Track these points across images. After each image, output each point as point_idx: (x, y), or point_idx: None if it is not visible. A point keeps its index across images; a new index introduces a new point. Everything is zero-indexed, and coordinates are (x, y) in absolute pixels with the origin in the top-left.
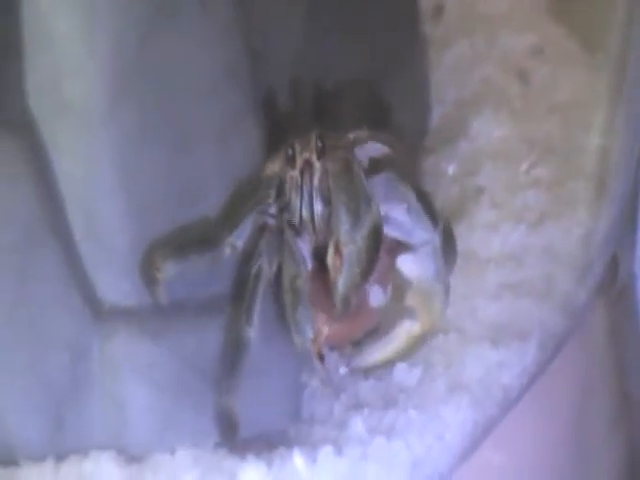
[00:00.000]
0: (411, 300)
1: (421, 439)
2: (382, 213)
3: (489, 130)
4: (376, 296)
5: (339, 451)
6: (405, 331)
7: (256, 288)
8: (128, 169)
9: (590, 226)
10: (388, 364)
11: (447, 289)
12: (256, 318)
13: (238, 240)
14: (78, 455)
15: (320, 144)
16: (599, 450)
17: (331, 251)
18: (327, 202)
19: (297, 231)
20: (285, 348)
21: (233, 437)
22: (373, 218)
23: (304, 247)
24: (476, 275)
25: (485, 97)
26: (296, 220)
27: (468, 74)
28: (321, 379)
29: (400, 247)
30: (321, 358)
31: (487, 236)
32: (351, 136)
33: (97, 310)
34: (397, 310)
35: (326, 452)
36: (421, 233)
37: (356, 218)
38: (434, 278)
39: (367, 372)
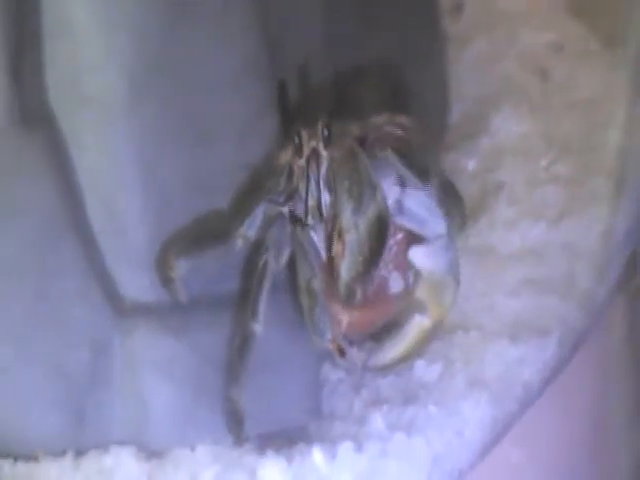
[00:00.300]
0: (421, 293)
1: (441, 435)
2: (396, 202)
3: (509, 127)
4: (396, 283)
5: (359, 447)
6: (416, 325)
7: (262, 282)
8: (148, 164)
9: (609, 222)
10: (404, 361)
11: (458, 282)
12: (261, 312)
13: (249, 231)
14: (98, 450)
15: (326, 133)
16: (617, 447)
17: (335, 238)
18: (333, 191)
19: (303, 222)
20: (304, 344)
21: (240, 431)
22: (378, 207)
23: (316, 238)
24: (496, 271)
25: (505, 94)
26: (303, 210)
27: (488, 71)
28: (345, 370)
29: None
30: (342, 353)
31: (507, 232)
32: (357, 127)
33: (117, 306)
34: (408, 305)
35: (346, 448)
36: (435, 226)
37: (358, 204)
38: (446, 271)
39: (385, 370)
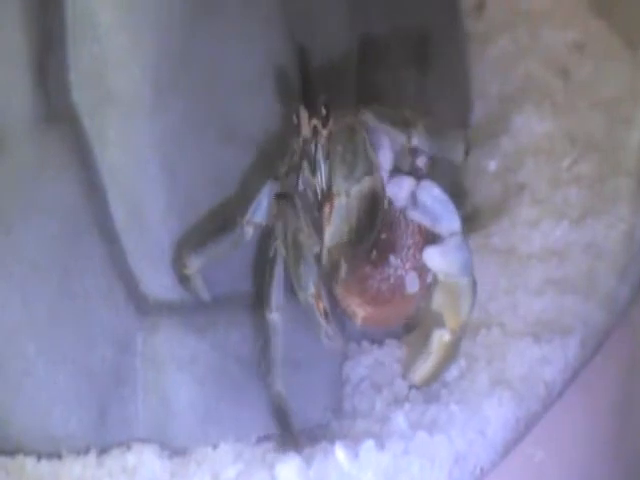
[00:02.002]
0: (437, 304)
1: (463, 434)
2: (410, 195)
3: (531, 126)
4: (412, 283)
5: (381, 446)
6: (437, 341)
7: (273, 271)
8: (171, 162)
9: (632, 222)
10: (438, 375)
11: (474, 285)
12: (276, 302)
13: (256, 216)
14: (121, 448)
15: (325, 111)
16: None
17: (325, 203)
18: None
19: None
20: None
21: (288, 425)
22: (374, 182)
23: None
24: (518, 271)
25: (527, 93)
26: (301, 187)
27: (510, 70)
28: (326, 336)
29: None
30: (326, 315)
31: (529, 232)
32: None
33: (140, 304)
34: (428, 316)
35: (368, 447)
36: (449, 222)
37: (350, 171)
38: (461, 271)
39: (423, 386)
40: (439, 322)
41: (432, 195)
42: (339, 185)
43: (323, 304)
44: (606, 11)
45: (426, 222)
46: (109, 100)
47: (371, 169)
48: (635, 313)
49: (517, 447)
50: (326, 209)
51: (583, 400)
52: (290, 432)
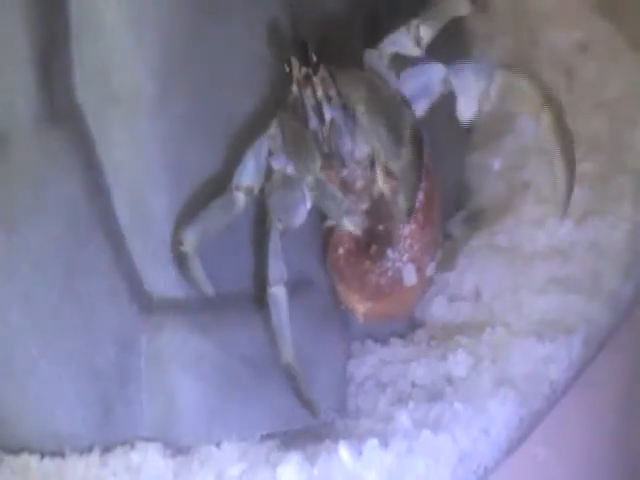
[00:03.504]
0: (513, 105)
1: (467, 433)
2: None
3: (535, 126)
4: (409, 275)
5: (385, 444)
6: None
7: (269, 244)
8: (175, 160)
9: (636, 221)
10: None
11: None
12: (275, 275)
13: (243, 179)
14: (125, 447)
15: (315, 59)
16: None
17: (381, 176)
18: (337, 108)
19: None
20: (330, 342)
21: (302, 395)
22: (410, 122)
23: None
24: (522, 270)
25: None
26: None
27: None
28: (344, 212)
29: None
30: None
31: (533, 231)
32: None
33: (145, 302)
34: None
35: (372, 445)
36: (436, 71)
37: (397, 136)
38: (489, 73)
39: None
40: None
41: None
42: (391, 156)
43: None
44: (610, 12)
45: (420, 91)
46: (113, 100)
47: (405, 111)
48: (639, 312)
49: (521, 446)
50: (391, 183)
51: (587, 399)
52: (304, 402)
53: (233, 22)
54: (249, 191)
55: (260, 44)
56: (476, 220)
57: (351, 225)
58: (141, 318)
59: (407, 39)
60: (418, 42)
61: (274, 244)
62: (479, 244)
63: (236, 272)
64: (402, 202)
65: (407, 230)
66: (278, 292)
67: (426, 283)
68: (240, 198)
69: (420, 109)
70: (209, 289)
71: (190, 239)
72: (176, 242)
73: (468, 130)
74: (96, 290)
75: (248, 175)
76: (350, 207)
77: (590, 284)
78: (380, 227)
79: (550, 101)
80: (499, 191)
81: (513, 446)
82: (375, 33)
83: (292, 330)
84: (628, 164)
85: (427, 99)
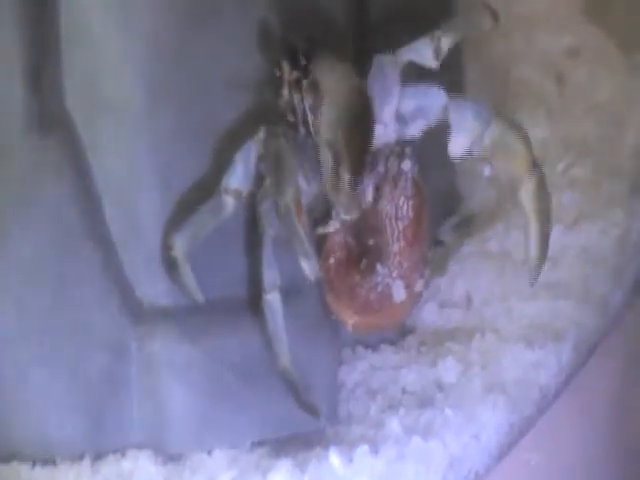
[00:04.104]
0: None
1: (457, 439)
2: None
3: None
4: (398, 292)
5: (375, 450)
6: (527, 197)
7: (262, 251)
8: (166, 168)
9: (626, 226)
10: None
11: (506, 118)
12: (269, 282)
13: (231, 181)
14: (116, 454)
15: (305, 62)
16: (637, 450)
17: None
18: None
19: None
20: (321, 349)
21: (300, 399)
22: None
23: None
24: (512, 276)
25: (522, 98)
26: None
27: (504, 75)
28: (303, 255)
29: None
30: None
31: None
32: None
33: (135, 310)
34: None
35: (362, 451)
36: (436, 98)
37: (337, 75)
38: (484, 120)
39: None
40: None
41: (410, 97)
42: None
43: (302, 216)
44: (600, 17)
45: (421, 122)
46: (103, 108)
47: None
48: (629, 317)
49: (512, 451)
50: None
51: (578, 404)
52: (304, 405)
53: (222, 30)
54: (237, 194)
55: (250, 50)
56: (467, 226)
57: (306, 268)
58: (132, 326)
59: (428, 49)
60: (438, 54)
61: (267, 251)
62: (470, 250)
63: (225, 278)
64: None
65: (396, 247)
66: (273, 298)
67: (415, 299)
68: (229, 202)
69: (415, 130)
70: (199, 296)
71: (179, 244)
72: (166, 247)
73: None
74: (87, 298)
75: (237, 178)
76: (309, 251)
77: (580, 289)
78: (370, 242)
79: (536, 168)
80: (490, 197)
81: (504, 452)
82: (365, 34)
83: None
84: (619, 169)
85: (424, 122)
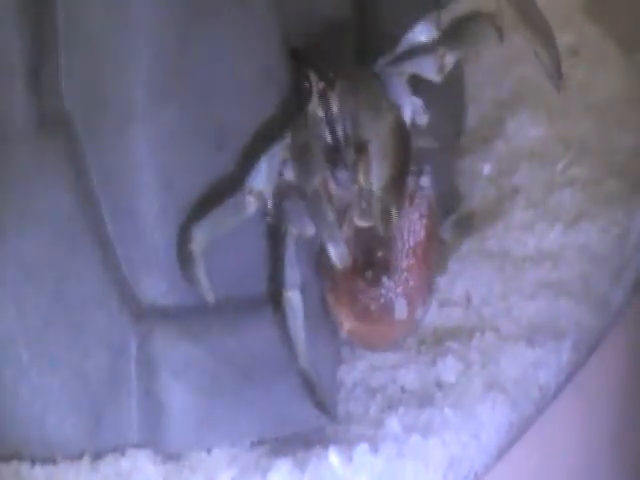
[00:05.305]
0: None
1: (457, 438)
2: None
3: (525, 130)
4: (400, 309)
5: (375, 449)
6: None
7: (284, 252)
8: (166, 167)
9: (626, 225)
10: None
11: None
12: (291, 280)
13: (256, 183)
14: (115, 453)
15: (332, 75)
16: (638, 450)
17: (355, 157)
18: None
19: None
20: (321, 348)
21: (317, 399)
22: (395, 114)
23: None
24: (512, 275)
25: (521, 97)
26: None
27: (504, 74)
28: (331, 238)
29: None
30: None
31: (523, 236)
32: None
33: (135, 309)
34: None
35: (362, 450)
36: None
37: (376, 111)
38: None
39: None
40: None
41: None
42: (368, 131)
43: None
44: (600, 16)
45: None
46: (103, 107)
47: (390, 103)
48: (629, 316)
49: (512, 451)
50: (363, 163)
51: (577, 403)
52: (320, 406)
53: (224, 29)
54: (260, 196)
55: (252, 51)
56: (466, 225)
57: (333, 253)
58: (131, 324)
59: (433, 65)
60: (442, 69)
61: (290, 250)
62: (469, 249)
63: (226, 278)
64: (376, 187)
65: (405, 263)
66: (294, 297)
67: (412, 325)
68: (251, 202)
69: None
70: (210, 295)
71: (199, 237)
72: (184, 239)
73: (458, 134)
74: (86, 297)
75: (261, 180)
76: (338, 236)
77: (580, 288)
78: (379, 254)
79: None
80: (489, 196)
81: (503, 451)
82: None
83: (281, 335)
84: (618, 168)
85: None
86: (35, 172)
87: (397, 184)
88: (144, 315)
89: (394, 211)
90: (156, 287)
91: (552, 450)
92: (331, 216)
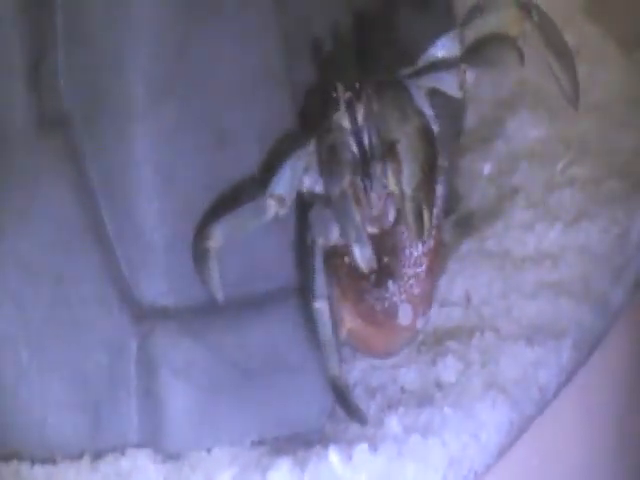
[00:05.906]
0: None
1: (457, 438)
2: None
3: (525, 130)
4: (405, 315)
5: (375, 449)
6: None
7: (313, 262)
8: (166, 167)
9: (626, 225)
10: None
11: None
12: (319, 290)
13: (277, 188)
14: (115, 453)
15: (358, 85)
16: (639, 450)
17: (384, 159)
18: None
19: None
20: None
21: (349, 406)
22: (421, 117)
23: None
24: (512, 274)
25: (521, 97)
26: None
27: (504, 74)
28: (358, 241)
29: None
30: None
31: (523, 235)
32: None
33: (135, 309)
34: None
35: (362, 450)
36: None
37: (402, 112)
38: None
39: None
40: None
41: None
42: (396, 133)
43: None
44: (600, 15)
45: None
46: (102, 105)
47: (416, 108)
48: (629, 316)
49: (512, 450)
50: (393, 165)
51: (578, 403)
52: (351, 412)
53: (224, 29)
54: (281, 201)
55: (252, 51)
56: (466, 225)
57: (359, 255)
58: (131, 324)
59: (454, 81)
60: (462, 85)
61: (317, 260)
62: (469, 249)
63: (226, 277)
64: (408, 191)
65: (412, 271)
66: (322, 307)
67: (413, 333)
68: (272, 206)
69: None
70: (220, 295)
71: (217, 235)
72: (201, 236)
73: (458, 134)
74: (86, 297)
75: (283, 185)
76: (364, 238)
77: (580, 288)
78: (385, 259)
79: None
80: (489, 196)
81: (503, 451)
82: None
83: (281, 335)
84: (618, 167)
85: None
86: (35, 172)
87: (427, 184)
88: (144, 315)
89: (427, 212)
90: (156, 287)
91: (552, 450)
92: (358, 218)
